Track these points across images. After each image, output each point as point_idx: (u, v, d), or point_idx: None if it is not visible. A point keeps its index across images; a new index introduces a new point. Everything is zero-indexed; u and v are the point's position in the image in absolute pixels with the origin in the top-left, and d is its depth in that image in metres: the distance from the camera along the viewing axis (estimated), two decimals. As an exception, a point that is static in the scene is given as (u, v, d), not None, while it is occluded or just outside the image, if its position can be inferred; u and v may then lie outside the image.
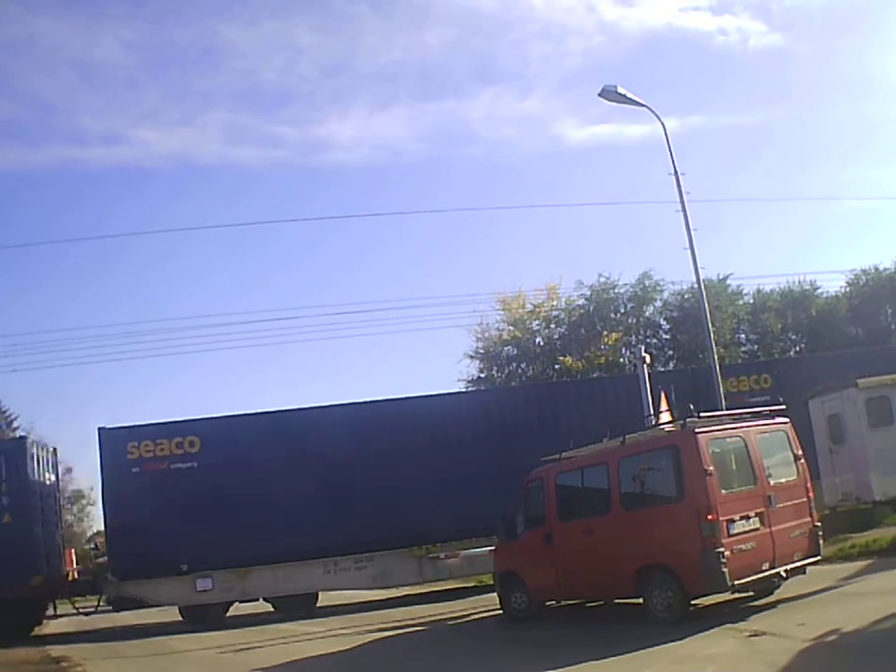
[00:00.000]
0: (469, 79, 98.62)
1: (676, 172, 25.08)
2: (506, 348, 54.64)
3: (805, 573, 15.49)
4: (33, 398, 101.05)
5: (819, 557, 15.69)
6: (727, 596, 15.36)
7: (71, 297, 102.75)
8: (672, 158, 25.06)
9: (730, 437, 15.54)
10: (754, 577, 14.58)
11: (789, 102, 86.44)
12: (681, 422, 15.82)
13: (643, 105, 24.76)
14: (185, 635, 23.35)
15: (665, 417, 20.62)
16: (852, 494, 23.86)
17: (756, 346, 52.72)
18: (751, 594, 15.57)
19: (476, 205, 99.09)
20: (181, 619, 26.30)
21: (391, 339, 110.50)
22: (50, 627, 27.13)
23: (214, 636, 22.16)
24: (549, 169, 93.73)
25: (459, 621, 20.73)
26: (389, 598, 27.60)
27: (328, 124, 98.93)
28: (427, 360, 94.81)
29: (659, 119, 24.97)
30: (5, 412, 66.47)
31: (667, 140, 25.08)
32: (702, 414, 15.71)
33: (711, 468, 14.48)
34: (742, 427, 15.80)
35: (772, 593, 15.71)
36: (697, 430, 14.97)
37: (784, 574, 15.04)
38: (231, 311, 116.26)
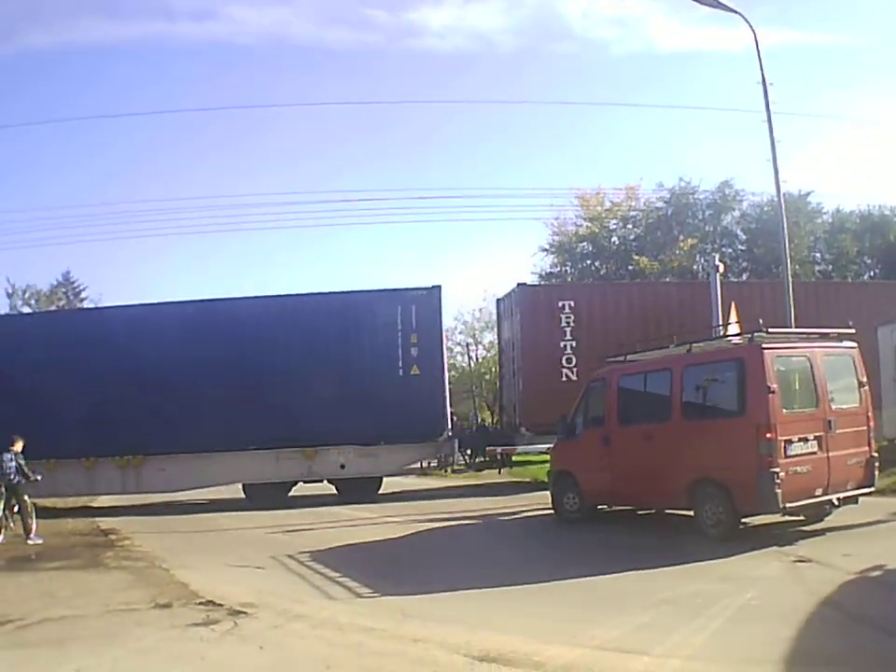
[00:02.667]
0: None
1: (764, 81, 24.52)
2: (581, 244, 54.42)
3: (856, 503, 15.34)
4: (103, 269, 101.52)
5: (872, 489, 15.52)
6: (776, 518, 15.21)
7: (146, 169, 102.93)
8: (761, 67, 24.47)
9: (796, 356, 15.27)
10: (806, 501, 14.46)
11: (889, 24, 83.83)
12: (749, 336, 15.57)
13: (735, 12, 24.05)
14: (236, 513, 23.79)
15: (734, 329, 20.41)
16: (912, 428, 23.50)
17: (831, 266, 52.08)
18: (801, 518, 15.43)
19: (564, 100, 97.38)
20: (233, 497, 26.69)
21: (466, 227, 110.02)
22: (100, 501, 27.57)
23: (265, 515, 22.56)
24: (639, 70, 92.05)
25: (510, 517, 20.88)
26: (443, 488, 27.78)
27: (422, 10, 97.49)
28: (503, 253, 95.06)
29: (750, 27, 24.28)
30: (73, 282, 67.11)
31: (757, 48, 24.43)
32: (770, 330, 15.42)
33: (775, 385, 14.26)
34: (809, 346, 15.52)
35: (822, 519, 15.56)
36: (764, 346, 14.72)
37: (836, 502, 14.94)
38: (319, 189, 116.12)
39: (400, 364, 26.31)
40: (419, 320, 26.57)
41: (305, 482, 26.52)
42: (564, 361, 27.45)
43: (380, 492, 26.71)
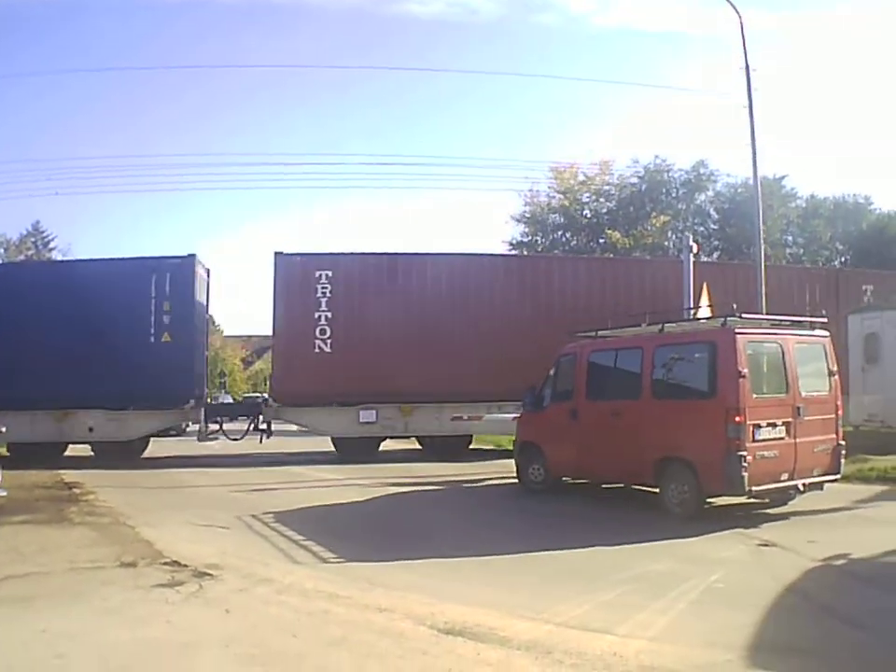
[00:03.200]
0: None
1: (747, 67, 24.74)
2: (553, 216, 54.56)
3: (821, 489, 15.48)
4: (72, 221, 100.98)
5: (838, 476, 15.69)
6: (741, 500, 15.29)
7: (117, 125, 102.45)
8: (745, 53, 24.77)
9: (768, 341, 15.34)
10: (772, 486, 14.62)
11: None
12: (722, 319, 15.61)
13: (721, -4, 24.28)
14: (200, 469, 23.94)
15: (705, 311, 20.50)
16: (877, 416, 23.70)
17: (802, 251, 52.38)
18: (766, 501, 15.51)
19: (542, 73, 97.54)
20: (199, 454, 26.89)
21: (443, 194, 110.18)
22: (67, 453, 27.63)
23: (228, 472, 23.04)
24: (620, 46, 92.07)
25: (474, 484, 21.01)
26: (405, 451, 27.82)
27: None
28: (474, 219, 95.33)
29: (736, 11, 24.51)
30: (42, 232, 66.88)
31: (742, 34, 24.74)
32: (744, 315, 15.51)
33: (746, 370, 14.33)
34: (781, 333, 15.63)
35: (786, 504, 15.64)
36: (737, 330, 14.80)
37: (801, 488, 15.03)
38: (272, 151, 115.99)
39: (152, 331, 26.71)
40: (173, 288, 26.95)
41: (74, 442, 27.32)
42: (318, 332, 27.21)
43: (142, 457, 27.34)
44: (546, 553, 12.51)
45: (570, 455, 17.67)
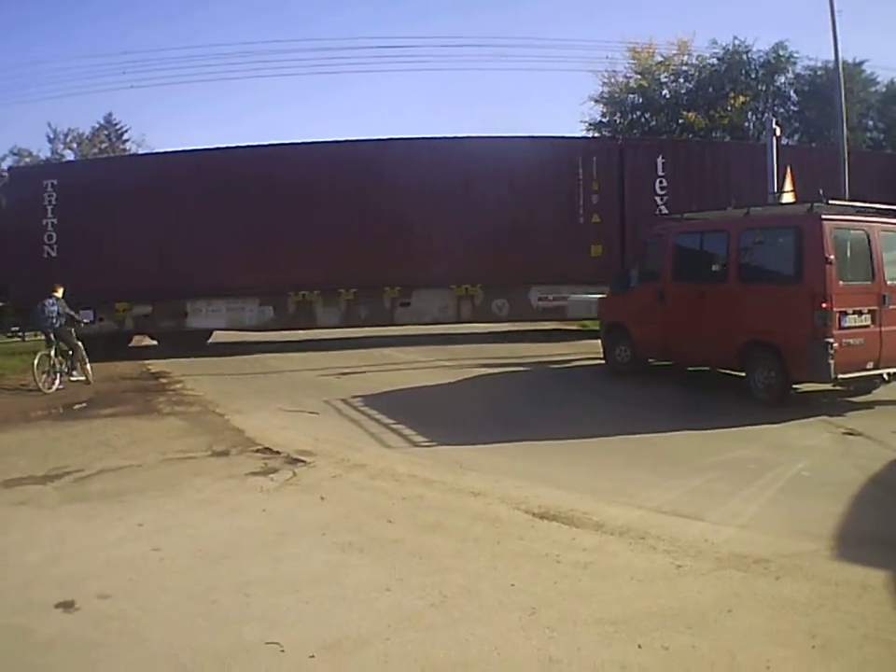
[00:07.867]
0: None
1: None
2: (631, 96, 53.76)
3: (906, 380, 15.33)
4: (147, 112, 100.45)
5: (923, 366, 15.49)
6: (825, 387, 15.23)
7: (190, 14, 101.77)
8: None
9: (854, 228, 15.04)
10: (857, 374, 14.48)
11: None
12: (808, 205, 15.35)
13: None
14: (287, 354, 24.02)
15: (789, 196, 20.24)
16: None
17: (882, 135, 51.23)
18: (850, 389, 15.45)
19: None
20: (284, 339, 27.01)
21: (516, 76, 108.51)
22: (146, 342, 27.91)
23: (314, 356, 22.94)
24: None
25: (561, 366, 20.99)
26: (492, 333, 27.90)
27: None
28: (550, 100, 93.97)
29: None
30: (116, 125, 66.99)
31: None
32: (830, 201, 15.30)
33: (832, 256, 14.14)
34: (867, 220, 15.29)
35: (870, 392, 15.56)
36: (824, 216, 14.55)
37: (886, 377, 15.01)
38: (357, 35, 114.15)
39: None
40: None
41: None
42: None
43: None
44: (634, 436, 12.66)
45: (657, 336, 17.61)
